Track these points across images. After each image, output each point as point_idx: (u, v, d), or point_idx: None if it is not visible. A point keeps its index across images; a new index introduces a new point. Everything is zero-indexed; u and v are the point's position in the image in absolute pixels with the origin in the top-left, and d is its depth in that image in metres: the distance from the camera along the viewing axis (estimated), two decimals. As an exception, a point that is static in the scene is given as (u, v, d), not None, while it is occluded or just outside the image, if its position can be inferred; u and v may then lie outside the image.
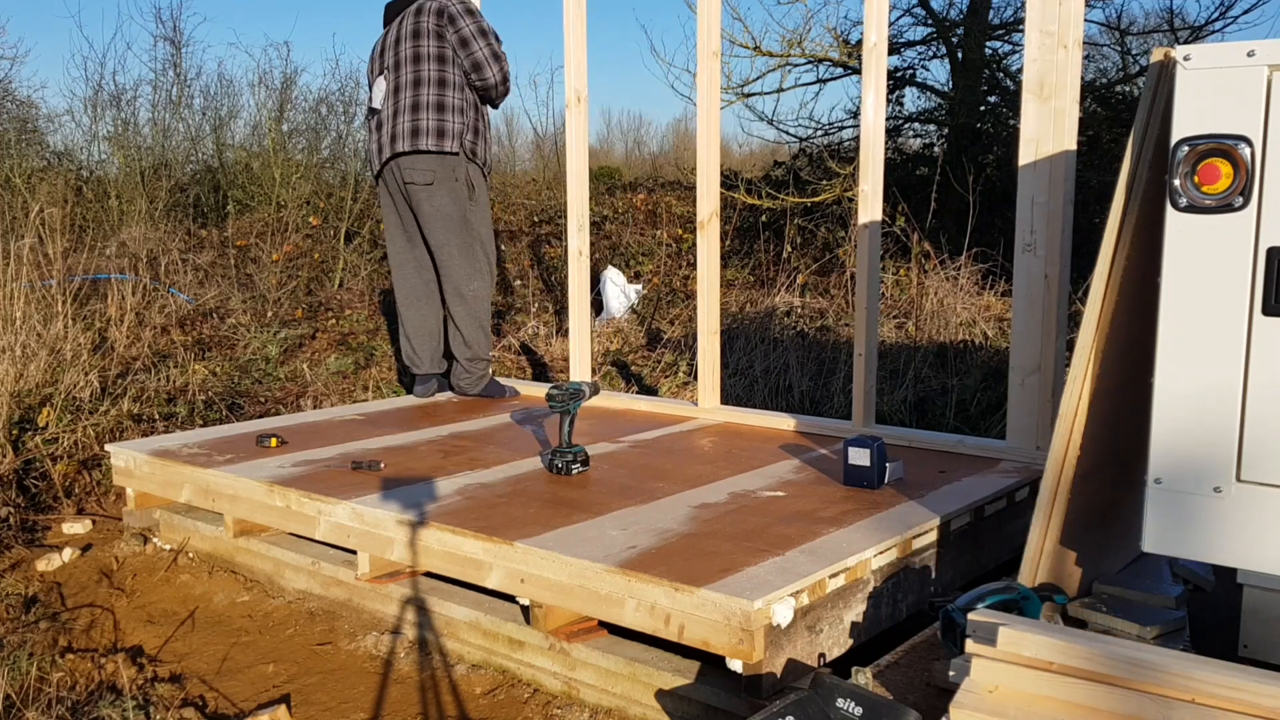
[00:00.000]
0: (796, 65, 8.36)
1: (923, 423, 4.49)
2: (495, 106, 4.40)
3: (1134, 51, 8.96)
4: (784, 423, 3.80)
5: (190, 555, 3.32)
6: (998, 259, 6.21)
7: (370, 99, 4.38)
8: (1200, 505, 1.80)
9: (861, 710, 1.73)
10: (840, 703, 1.75)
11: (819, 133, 8.93)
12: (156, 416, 4.43)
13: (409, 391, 4.78)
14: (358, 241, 7.77)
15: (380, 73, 4.31)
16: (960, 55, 8.57)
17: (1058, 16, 2.99)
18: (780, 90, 8.55)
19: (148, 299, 6.17)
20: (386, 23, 4.41)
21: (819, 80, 8.65)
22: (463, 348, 4.41)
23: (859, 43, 7.60)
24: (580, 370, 4.38)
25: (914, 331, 5.67)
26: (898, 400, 4.65)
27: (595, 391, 3.25)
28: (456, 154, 4.20)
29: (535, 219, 8.87)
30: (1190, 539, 1.82)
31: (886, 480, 2.90)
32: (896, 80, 8.68)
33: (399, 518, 2.69)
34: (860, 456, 2.88)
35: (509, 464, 3.24)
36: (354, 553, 2.84)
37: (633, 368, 5.63)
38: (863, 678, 1.86)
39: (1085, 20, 3.90)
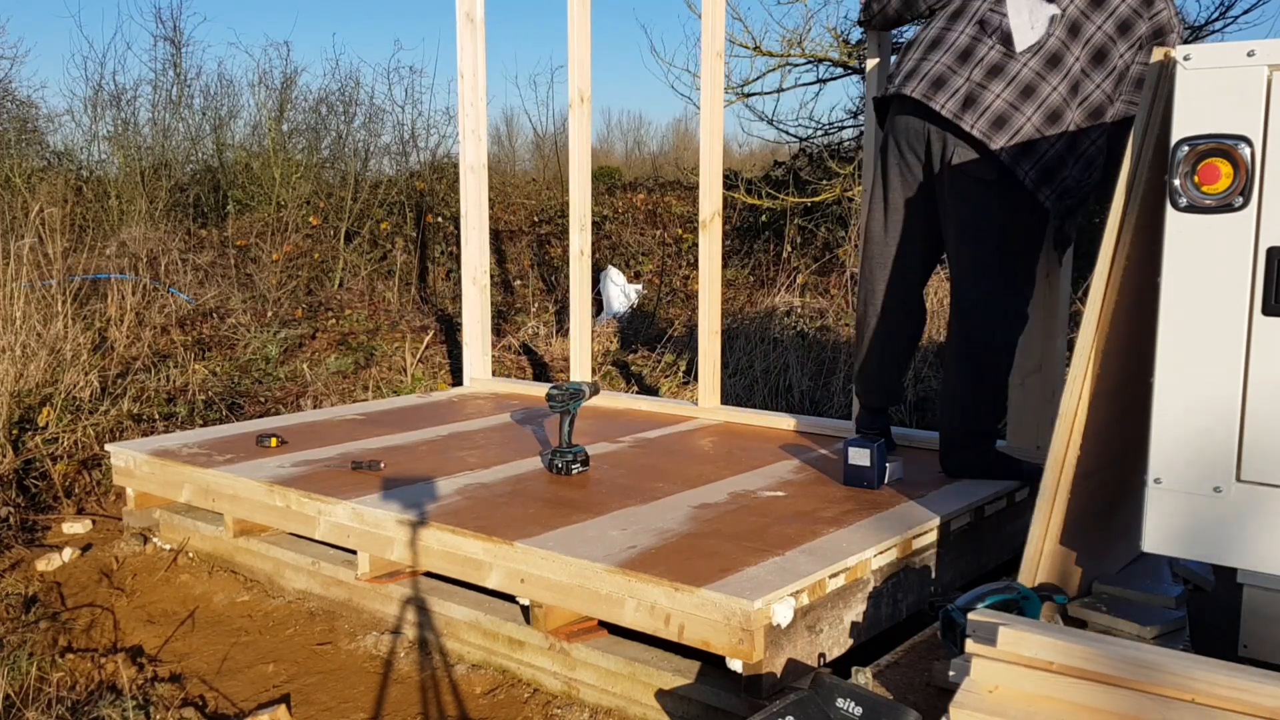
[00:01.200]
0: (796, 65, 8.35)
1: (923, 422, 4.49)
2: None
3: (1134, 51, 8.95)
4: (784, 423, 3.80)
5: (190, 555, 3.32)
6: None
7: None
8: (1200, 505, 1.80)
9: (861, 710, 1.73)
10: (840, 703, 1.75)
11: (819, 133, 8.92)
12: (156, 416, 4.43)
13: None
14: (358, 241, 7.77)
15: None
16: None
17: (1058, 16, 2.99)
18: (780, 90, 8.54)
19: (148, 299, 6.17)
20: None
21: (819, 80, 8.64)
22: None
23: (859, 42, 7.60)
24: (580, 370, 4.38)
25: (914, 331, 5.66)
26: (898, 400, 4.65)
27: (595, 391, 3.23)
28: None
29: (535, 219, 8.87)
30: (1190, 539, 1.82)
31: (886, 480, 2.90)
32: (897, 80, 8.67)
33: (399, 518, 2.69)
34: (860, 456, 2.88)
35: (509, 464, 3.24)
36: (354, 553, 2.84)
37: (633, 367, 5.63)
38: (863, 678, 1.86)
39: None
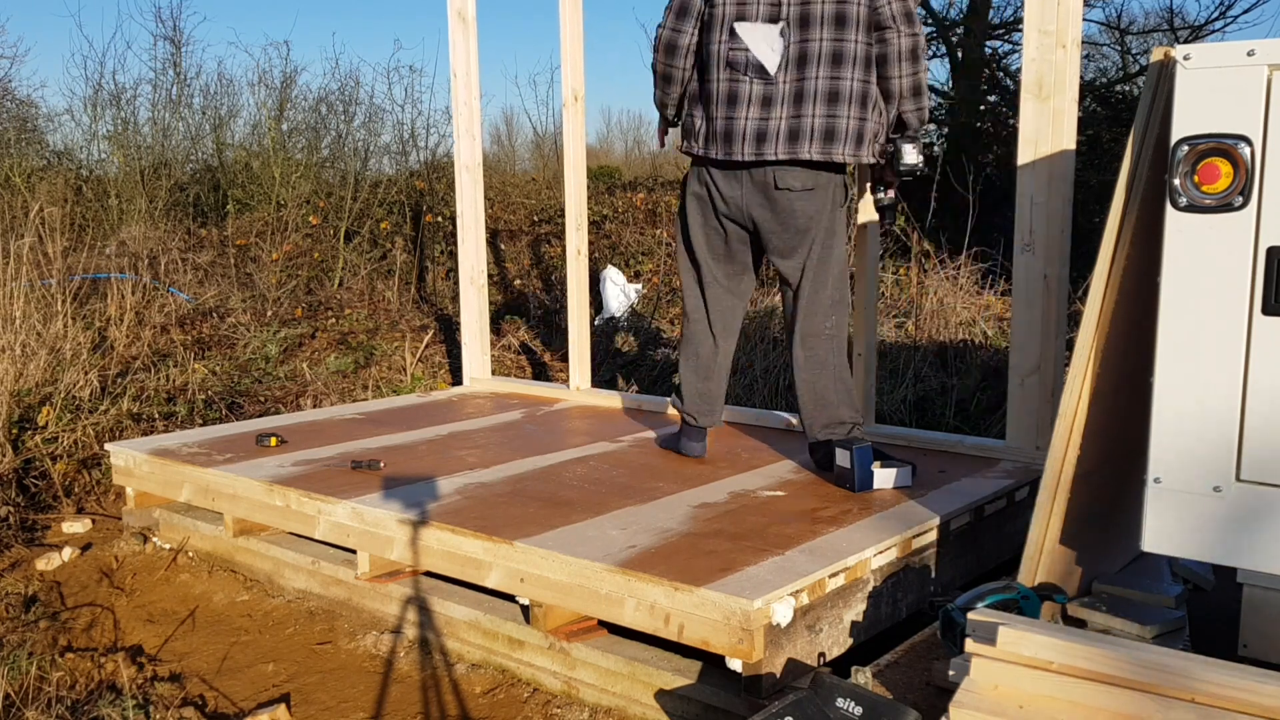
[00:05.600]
0: (796, 65, 8.35)
1: (922, 422, 4.49)
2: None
3: (1134, 51, 8.97)
4: (784, 422, 3.79)
5: (190, 554, 3.32)
6: (997, 258, 6.21)
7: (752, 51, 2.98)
8: (1200, 505, 1.80)
9: (861, 710, 1.73)
10: (840, 702, 1.75)
11: (819, 132, 8.90)
12: (156, 416, 4.43)
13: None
14: (357, 241, 7.76)
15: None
16: (960, 54, 8.57)
17: (1056, 16, 2.99)
18: (780, 90, 8.54)
19: (147, 298, 6.17)
20: None
21: (819, 80, 8.64)
22: None
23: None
24: (580, 370, 4.38)
25: (914, 331, 5.67)
26: (897, 400, 4.65)
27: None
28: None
29: (535, 219, 8.86)
30: (1190, 538, 1.82)
31: (876, 487, 2.86)
32: (896, 79, 8.67)
33: (399, 517, 2.69)
34: (843, 458, 2.87)
35: (509, 464, 3.24)
36: (354, 552, 2.84)
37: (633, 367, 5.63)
38: (862, 677, 1.86)
39: (1085, 20, 3.90)
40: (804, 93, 2.91)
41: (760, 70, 2.93)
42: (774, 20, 2.93)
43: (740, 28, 2.96)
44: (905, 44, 2.90)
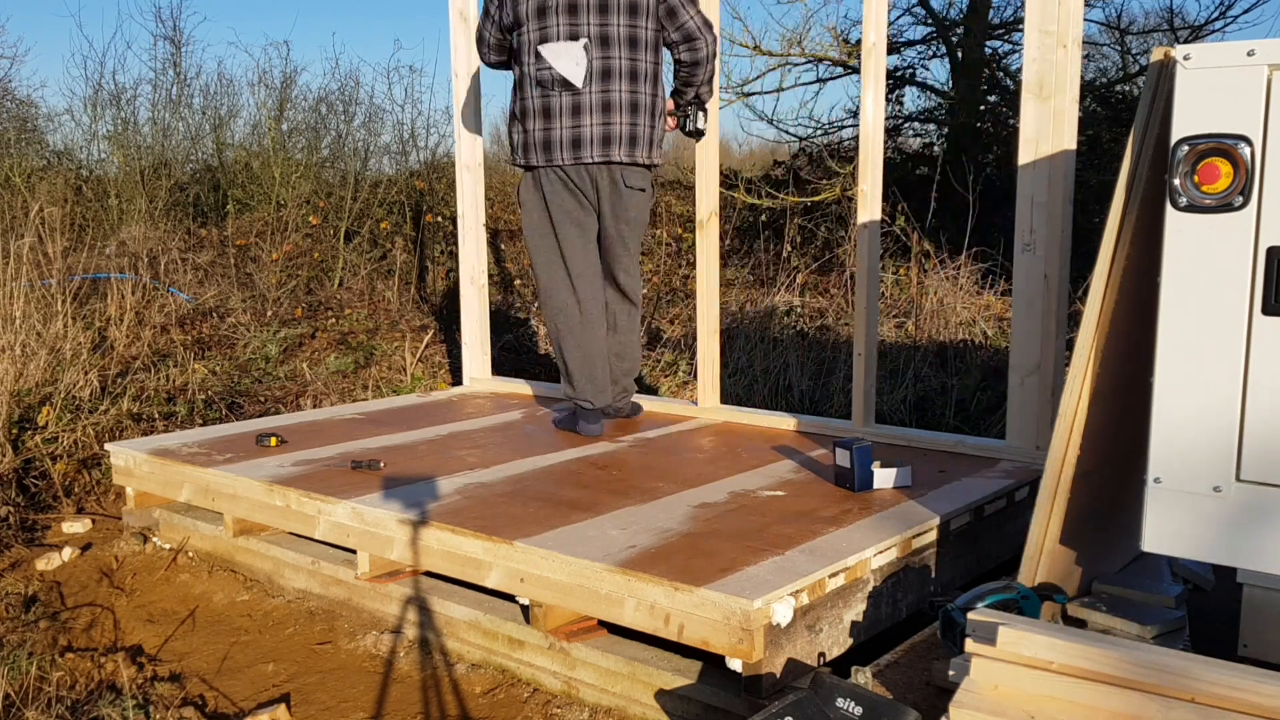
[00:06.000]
0: (796, 64, 8.36)
1: (923, 422, 4.49)
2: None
3: (1134, 51, 8.97)
4: (784, 422, 3.80)
5: (190, 554, 3.32)
6: (997, 258, 6.21)
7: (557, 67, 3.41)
8: (1200, 505, 1.80)
9: (861, 710, 1.73)
10: (840, 702, 1.75)
11: (819, 132, 8.92)
12: (156, 416, 4.43)
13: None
14: (357, 241, 7.76)
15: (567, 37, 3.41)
16: (960, 54, 8.57)
17: (1057, 16, 2.99)
18: (780, 90, 8.55)
19: (147, 298, 6.17)
20: None
21: (819, 80, 8.65)
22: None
23: (859, 42, 7.59)
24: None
25: (914, 331, 5.67)
26: (897, 400, 4.65)
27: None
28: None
29: (535, 218, 8.85)
30: (1190, 538, 1.82)
31: (876, 486, 2.86)
32: (896, 80, 8.68)
33: (399, 517, 2.69)
34: (843, 458, 2.87)
35: (509, 464, 3.24)
36: (354, 552, 2.84)
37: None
38: (862, 677, 1.86)
39: (1085, 20, 3.90)
40: (610, 103, 3.41)
41: (566, 84, 3.40)
42: (575, 39, 3.39)
43: (545, 49, 3.41)
44: (711, 49, 3.50)
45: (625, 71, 3.41)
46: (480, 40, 3.60)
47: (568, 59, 3.39)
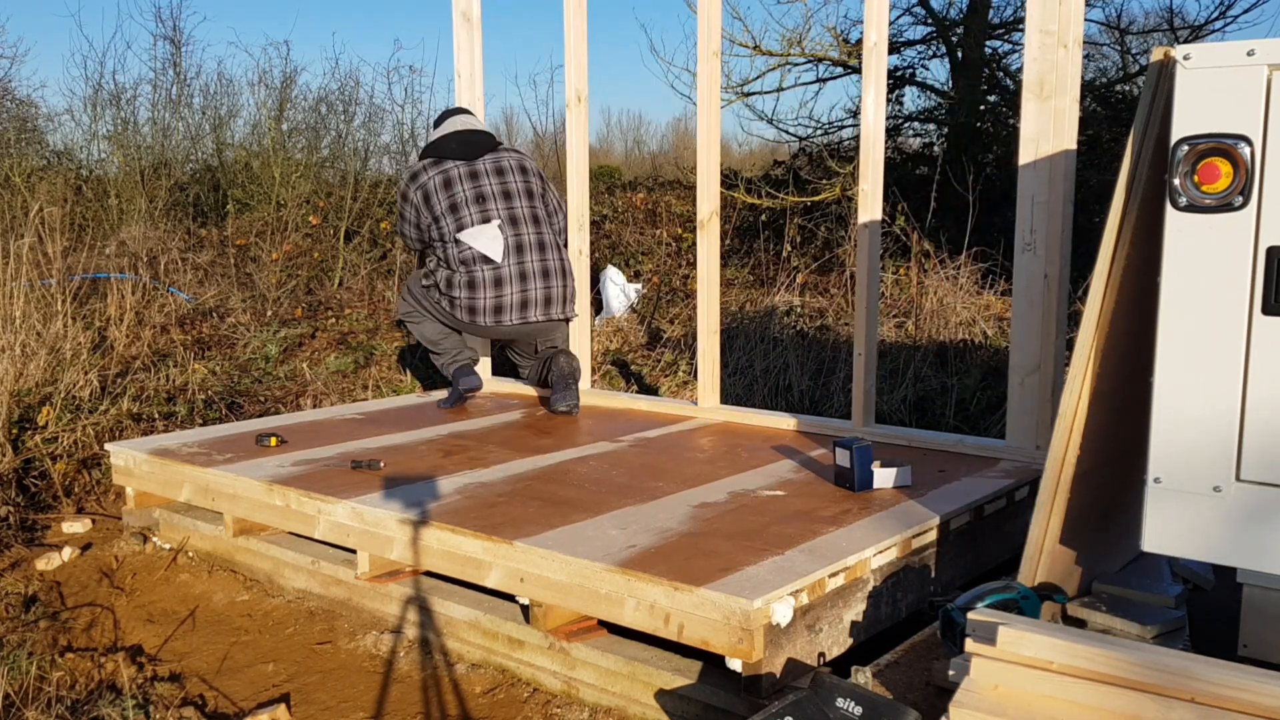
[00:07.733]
0: (796, 64, 8.36)
1: (922, 422, 4.49)
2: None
3: (1134, 51, 8.97)
4: (784, 422, 3.80)
5: (190, 554, 3.32)
6: (997, 258, 6.21)
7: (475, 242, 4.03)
8: (1200, 504, 1.80)
9: (861, 710, 1.73)
10: (840, 702, 1.75)
11: (819, 132, 8.93)
12: (156, 415, 4.43)
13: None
14: (357, 241, 7.77)
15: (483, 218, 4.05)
16: (960, 54, 8.57)
17: (1058, 16, 2.99)
18: (780, 89, 8.56)
19: (147, 298, 6.17)
20: (459, 156, 4.15)
21: (819, 79, 8.66)
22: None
23: (859, 42, 7.60)
24: (581, 369, 4.37)
25: (914, 331, 5.67)
26: (897, 400, 4.65)
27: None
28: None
29: (535, 218, 8.85)
30: (1190, 538, 1.82)
31: (876, 486, 2.85)
32: (896, 79, 8.69)
33: (399, 517, 2.69)
34: (843, 458, 2.86)
35: (509, 464, 3.24)
36: (354, 552, 2.84)
37: (632, 367, 5.63)
38: (862, 677, 1.86)
39: (1085, 19, 3.90)
40: (526, 273, 4.04)
41: (487, 260, 4.00)
42: (487, 221, 4.02)
43: (463, 235, 4.01)
44: (562, 225, 4.28)
45: (535, 244, 4.08)
46: (402, 235, 4.32)
47: (485, 239, 4.01)
